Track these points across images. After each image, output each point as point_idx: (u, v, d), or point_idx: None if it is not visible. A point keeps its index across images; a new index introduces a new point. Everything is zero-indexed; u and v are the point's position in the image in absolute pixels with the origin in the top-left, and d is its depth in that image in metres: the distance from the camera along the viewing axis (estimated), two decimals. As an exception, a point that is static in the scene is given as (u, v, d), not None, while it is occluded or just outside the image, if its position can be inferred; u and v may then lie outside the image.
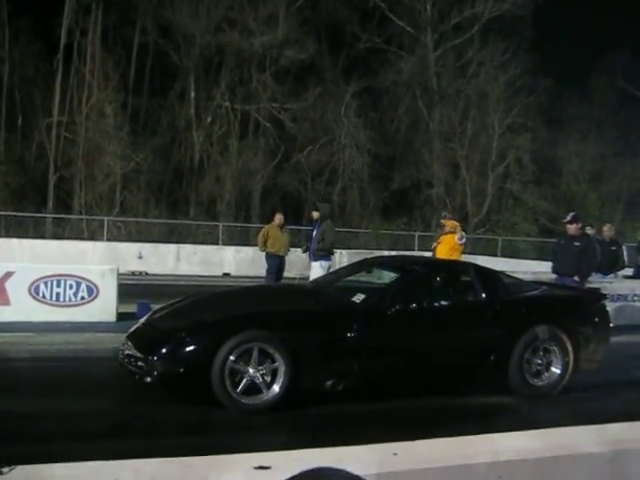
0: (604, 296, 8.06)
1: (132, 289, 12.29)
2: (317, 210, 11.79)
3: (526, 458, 2.78)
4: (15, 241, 19.29)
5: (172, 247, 20.92)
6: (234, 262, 20.87)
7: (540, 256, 21.22)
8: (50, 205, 26.64)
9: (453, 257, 11.31)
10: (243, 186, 29.36)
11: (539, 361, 6.87)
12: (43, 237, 21.43)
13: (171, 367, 5.80)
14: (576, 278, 9.84)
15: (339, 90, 30.17)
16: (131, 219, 24.53)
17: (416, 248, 23.43)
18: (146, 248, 20.32)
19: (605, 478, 2.86)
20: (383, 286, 7.13)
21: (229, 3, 28.28)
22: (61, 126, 27.24)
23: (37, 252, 18.01)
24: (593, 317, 7.39)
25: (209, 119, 29.07)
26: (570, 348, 6.89)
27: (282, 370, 5.83)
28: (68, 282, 9.97)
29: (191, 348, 5.85)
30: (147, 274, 19.13)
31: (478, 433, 4.12)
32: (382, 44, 30.75)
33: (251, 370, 5.79)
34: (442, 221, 13.79)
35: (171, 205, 27.95)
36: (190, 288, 12.77)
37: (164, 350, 5.88)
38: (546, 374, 6.90)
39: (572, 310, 7.48)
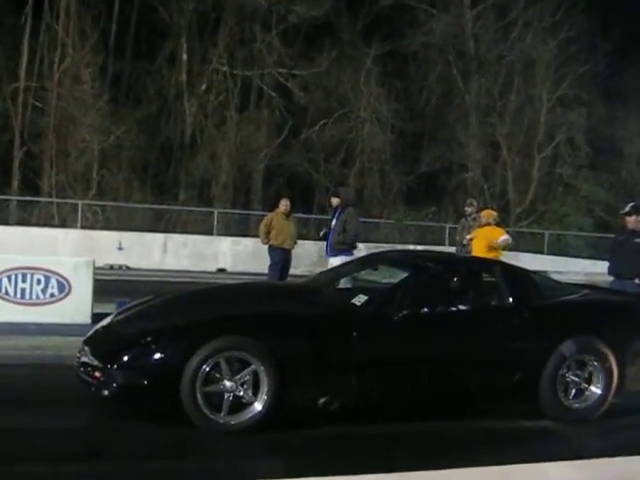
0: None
1: (110, 286, 12.34)
2: (337, 196, 11.76)
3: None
4: (-27, 227, 19.42)
5: (158, 237, 21.01)
6: (231, 255, 20.94)
7: (595, 254, 21.16)
8: (15, 186, 26.75)
9: (491, 256, 11.26)
10: (242, 166, 29.40)
11: (576, 379, 6.82)
12: (7, 223, 21.52)
13: (133, 378, 5.78)
14: (637, 281, 9.78)
15: (358, 54, 30.11)
16: (110, 203, 24.61)
17: (447, 242, 23.38)
18: (127, 238, 20.40)
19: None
20: (389, 286, 7.11)
21: (229, -51, 28.27)
22: (29, 92, 27.32)
23: (-1, 240, 18.12)
24: None
25: (203, 86, 29.09)
26: (614, 364, 6.84)
27: (265, 385, 5.81)
28: (35, 276, 10.00)
29: (157, 356, 5.83)
30: (128, 268, 19.21)
31: (515, 462, 4.14)
32: (410, 0, 30.62)
33: (228, 383, 5.78)
34: (467, 209, 13.77)
35: (157, 187, 28.03)
36: (178, 285, 12.83)
37: (125, 358, 5.86)
38: (585, 395, 6.86)
39: (618, 319, 7.40)
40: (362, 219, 13.40)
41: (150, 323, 6.42)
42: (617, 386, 6.86)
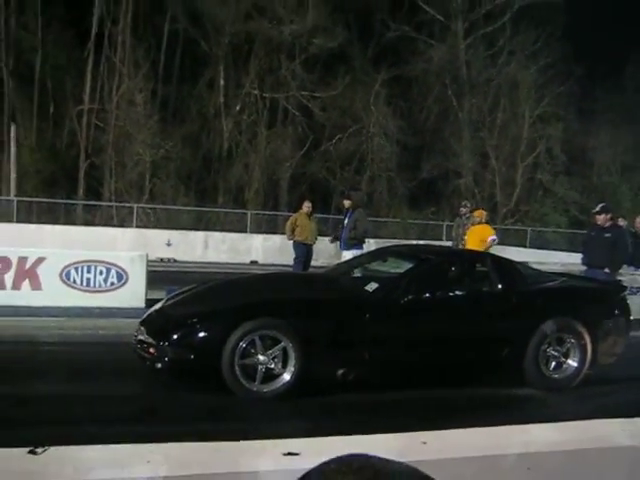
0: (624, 288, 7.95)
1: (161, 276, 12.37)
2: (349, 198, 11.77)
3: (555, 450, 2.74)
4: (47, 227, 19.52)
5: (200, 234, 21.05)
6: (262, 250, 20.92)
7: (570, 247, 21.00)
8: (81, 192, 26.89)
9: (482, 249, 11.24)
10: (271, 174, 29.38)
11: (556, 354, 6.79)
12: (74, 223, 21.67)
13: (181, 353, 5.84)
14: (606, 270, 9.72)
15: (368, 79, 29.98)
16: (160, 206, 24.62)
17: (444, 238, 23.28)
18: (175, 235, 20.47)
19: (636, 472, 2.82)
20: (397, 275, 7.10)
21: (258, -9, 28.21)
22: (92, 114, 27.46)
23: (68, 238, 18.17)
24: (613, 309, 7.29)
25: (238, 107, 29.07)
26: (588, 341, 6.80)
27: (293, 359, 5.85)
28: (98, 268, 10.08)
29: (202, 335, 5.89)
30: (175, 261, 19.24)
31: (506, 424, 4.11)
32: (412, 32, 30.40)
33: (261, 357, 5.81)
34: (462, 209, 13.76)
35: (200, 193, 28.06)
36: (217, 275, 12.81)
37: (175, 336, 5.93)
38: (563, 367, 6.82)
39: (591, 302, 7.37)
40: (371, 218, 13.40)
41: (195, 307, 6.46)
42: (591, 360, 6.86)
